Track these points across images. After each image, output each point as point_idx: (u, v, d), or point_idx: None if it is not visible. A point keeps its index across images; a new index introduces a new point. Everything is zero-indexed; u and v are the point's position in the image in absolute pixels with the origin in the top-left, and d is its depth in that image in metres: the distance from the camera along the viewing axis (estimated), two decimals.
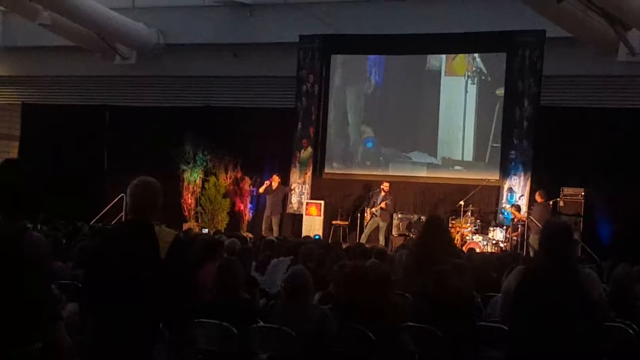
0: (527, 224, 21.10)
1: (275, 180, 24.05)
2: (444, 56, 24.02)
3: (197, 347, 7.80)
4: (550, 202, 21.54)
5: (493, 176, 22.82)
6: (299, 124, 24.80)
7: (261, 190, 24.20)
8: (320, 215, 23.87)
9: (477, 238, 21.16)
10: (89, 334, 5.66)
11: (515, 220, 21.35)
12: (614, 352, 8.15)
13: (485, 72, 23.49)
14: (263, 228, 23.62)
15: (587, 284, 6.07)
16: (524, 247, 20.98)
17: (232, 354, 7.91)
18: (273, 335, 7.92)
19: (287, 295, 8.11)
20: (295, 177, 24.71)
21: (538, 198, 21.32)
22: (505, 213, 21.85)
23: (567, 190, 21.86)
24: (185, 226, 23.50)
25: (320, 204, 24.03)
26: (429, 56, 24.18)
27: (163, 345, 5.88)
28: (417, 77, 24.36)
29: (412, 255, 11.10)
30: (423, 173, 24.04)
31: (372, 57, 24.91)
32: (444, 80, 24.01)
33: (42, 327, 5.02)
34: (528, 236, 21.00)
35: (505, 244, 20.87)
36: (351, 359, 7.93)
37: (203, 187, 25.90)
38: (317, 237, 20.86)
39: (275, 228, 23.59)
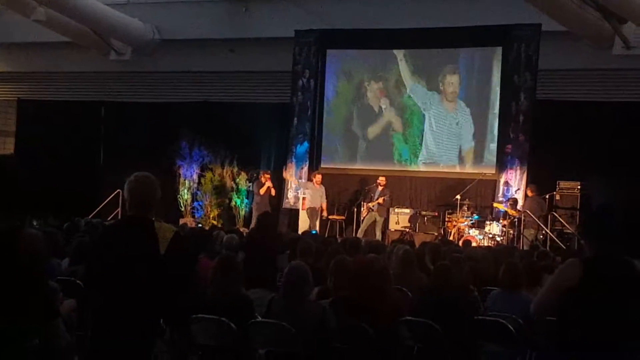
0: (522, 217, 21.12)
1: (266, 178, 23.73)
2: None
3: (193, 342, 7.80)
4: (547, 196, 21.61)
5: (489, 170, 22.85)
6: (295, 118, 24.76)
7: (262, 191, 23.75)
8: None
9: (474, 232, 21.16)
10: (89, 330, 5.65)
11: (511, 215, 21.30)
12: None
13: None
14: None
15: None
16: (519, 240, 20.98)
17: (231, 350, 7.88)
18: (272, 331, 7.89)
19: (286, 290, 8.06)
20: (291, 172, 24.65)
21: (529, 192, 21.44)
22: (500, 210, 21.77)
23: (563, 184, 21.91)
24: (181, 221, 23.43)
25: None
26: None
27: (163, 340, 5.88)
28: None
29: None
30: (419, 167, 23.99)
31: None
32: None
33: (40, 324, 5.00)
34: (523, 230, 21.05)
35: (502, 238, 20.84)
36: (350, 354, 7.91)
37: (199, 183, 25.88)
38: (313, 232, 20.73)
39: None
